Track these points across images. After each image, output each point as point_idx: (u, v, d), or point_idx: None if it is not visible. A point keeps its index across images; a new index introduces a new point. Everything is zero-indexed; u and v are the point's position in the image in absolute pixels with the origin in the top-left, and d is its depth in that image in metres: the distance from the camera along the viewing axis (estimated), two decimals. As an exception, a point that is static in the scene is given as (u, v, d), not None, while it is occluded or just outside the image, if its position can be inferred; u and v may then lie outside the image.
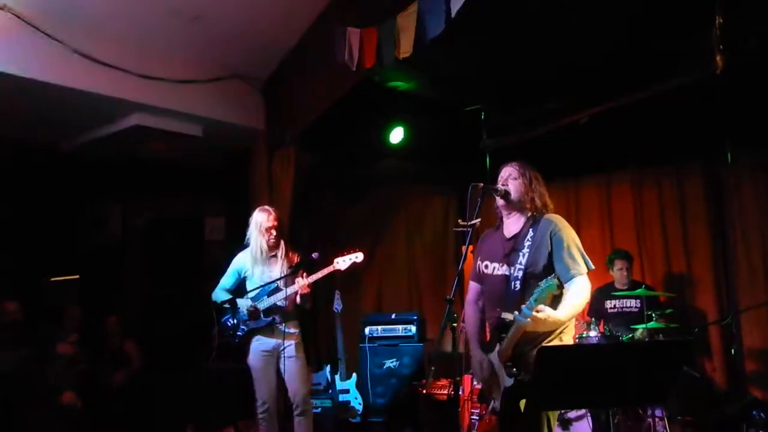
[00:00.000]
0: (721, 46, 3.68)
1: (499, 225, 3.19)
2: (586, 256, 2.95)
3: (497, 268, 3.05)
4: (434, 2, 3.71)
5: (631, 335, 4.99)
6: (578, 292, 2.86)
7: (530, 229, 2.99)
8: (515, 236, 3.06)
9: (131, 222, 7.25)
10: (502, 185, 3.10)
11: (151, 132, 5.41)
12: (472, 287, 3.27)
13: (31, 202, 6.59)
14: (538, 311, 2.69)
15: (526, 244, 2.96)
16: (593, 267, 2.95)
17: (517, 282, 2.93)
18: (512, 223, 3.11)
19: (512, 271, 2.97)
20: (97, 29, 4.78)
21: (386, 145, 6.17)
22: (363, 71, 4.42)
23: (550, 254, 2.92)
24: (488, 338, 3.12)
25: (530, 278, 2.89)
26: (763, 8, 3.84)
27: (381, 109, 5.84)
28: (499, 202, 3.11)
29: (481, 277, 3.18)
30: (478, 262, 3.18)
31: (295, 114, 5.64)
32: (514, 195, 3.07)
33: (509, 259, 3.01)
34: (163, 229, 7.06)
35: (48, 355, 4.91)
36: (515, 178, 3.08)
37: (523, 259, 2.93)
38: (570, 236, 2.95)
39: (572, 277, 2.86)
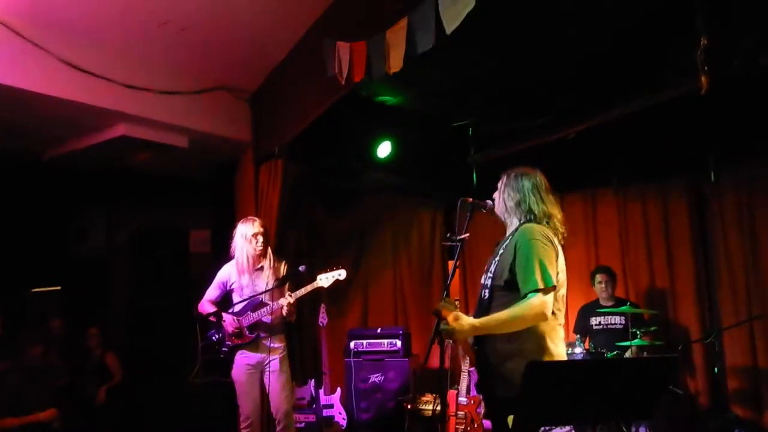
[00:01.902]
0: (706, 67, 3.73)
1: None
2: (548, 272, 2.74)
3: (483, 277, 3.05)
4: (425, 18, 3.72)
5: (615, 352, 5.01)
6: (518, 309, 2.70)
7: (509, 238, 2.95)
8: (497, 245, 3.05)
9: (116, 233, 7.19)
10: (491, 198, 3.12)
11: (137, 143, 5.38)
12: None
13: (15, 212, 6.51)
14: (453, 319, 2.68)
15: (499, 253, 2.93)
16: (553, 284, 2.74)
17: (486, 291, 2.91)
18: (507, 233, 3.07)
19: (484, 280, 2.96)
20: (84, 38, 4.75)
21: (373, 158, 6.18)
22: (352, 85, 4.42)
23: (513, 265, 2.82)
24: None
25: (496, 289, 2.86)
26: (746, 29, 3.91)
27: (368, 122, 5.86)
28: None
29: None
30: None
31: (283, 126, 5.63)
32: (496, 208, 3.08)
33: (487, 268, 3.01)
34: (148, 240, 7.00)
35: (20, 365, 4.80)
36: (498, 190, 3.08)
37: (492, 268, 2.92)
38: (534, 248, 2.77)
39: (525, 294, 2.73)
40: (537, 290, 2.70)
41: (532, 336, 2.75)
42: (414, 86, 5.15)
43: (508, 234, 3.02)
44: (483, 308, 2.90)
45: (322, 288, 4.42)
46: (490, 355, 2.83)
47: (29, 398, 4.63)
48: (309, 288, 4.39)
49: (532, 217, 2.94)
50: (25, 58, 4.47)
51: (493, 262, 2.92)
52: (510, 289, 2.80)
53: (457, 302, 5.86)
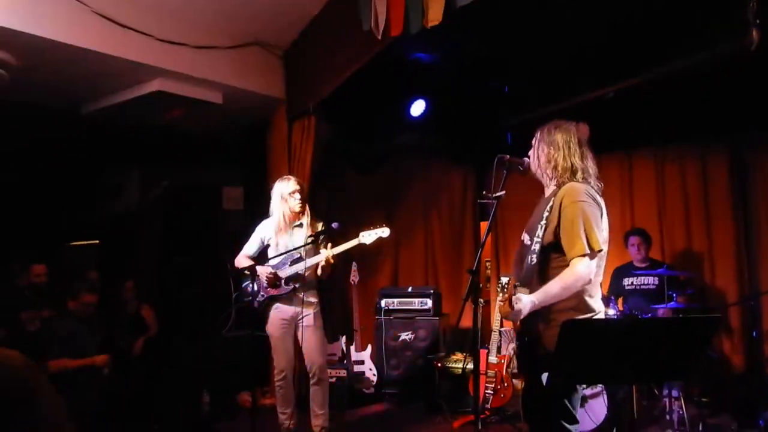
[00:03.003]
0: (757, 21, 3.58)
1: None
2: (595, 235, 2.66)
3: (525, 238, 2.94)
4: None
5: (650, 315, 4.95)
6: (564, 277, 2.65)
7: (552, 199, 2.82)
8: (539, 205, 2.94)
9: (150, 189, 7.27)
10: (528, 156, 3.03)
11: (172, 98, 5.38)
12: None
13: (51, 167, 6.61)
14: (516, 301, 2.60)
15: (544, 215, 2.79)
16: (600, 248, 2.68)
17: (534, 255, 2.78)
18: (547, 189, 2.96)
19: (531, 243, 2.83)
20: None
21: (406, 117, 6.11)
22: (388, 40, 4.34)
23: (557, 229, 2.73)
24: None
25: (549, 252, 2.76)
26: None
27: (402, 81, 5.77)
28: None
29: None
30: (524, 234, 3.03)
31: (316, 83, 5.58)
32: (531, 167, 2.98)
33: (530, 229, 2.90)
34: (182, 197, 7.07)
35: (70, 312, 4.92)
36: (533, 147, 2.97)
37: (540, 232, 2.77)
38: (577, 211, 2.68)
39: (571, 258, 2.67)
40: (583, 255, 2.64)
41: (573, 293, 2.71)
42: (451, 43, 5.04)
43: (548, 194, 2.92)
44: (531, 273, 2.78)
45: (364, 245, 4.41)
46: (533, 314, 2.76)
47: (80, 343, 4.74)
48: (351, 244, 4.37)
49: (569, 174, 2.83)
50: (62, 11, 4.46)
51: (539, 225, 2.78)
52: (561, 252, 2.73)
53: (488, 263, 5.87)
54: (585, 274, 2.65)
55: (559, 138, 2.88)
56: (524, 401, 3.11)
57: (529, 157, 3.02)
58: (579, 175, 2.83)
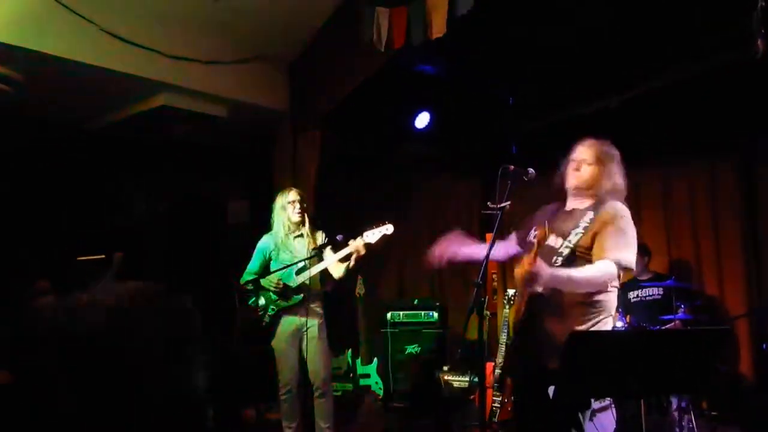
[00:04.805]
0: (763, 30, 3.55)
1: (565, 199, 3.08)
2: (630, 254, 2.74)
3: (552, 239, 2.92)
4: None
5: (658, 327, 4.90)
6: (590, 268, 2.69)
7: (590, 211, 2.85)
8: (573, 211, 2.96)
9: (155, 203, 7.27)
10: (575, 168, 2.97)
11: (177, 112, 5.40)
12: (505, 244, 3.20)
13: (57, 182, 6.62)
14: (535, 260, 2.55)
15: (582, 225, 2.82)
16: (632, 267, 2.76)
17: (559, 258, 2.81)
18: (577, 201, 2.98)
19: (560, 247, 2.85)
20: (125, 8, 4.76)
21: (411, 129, 6.11)
22: (391, 53, 4.35)
23: (595, 235, 2.77)
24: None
25: (575, 258, 2.78)
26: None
27: (407, 93, 5.78)
28: (568, 184, 2.99)
29: (523, 245, 3.08)
30: (531, 231, 3.04)
31: (321, 96, 5.60)
32: (574, 181, 2.96)
33: (561, 232, 2.90)
34: (187, 210, 7.07)
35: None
36: (589, 164, 2.94)
37: (574, 238, 2.81)
38: (628, 226, 2.79)
39: (603, 258, 2.70)
40: (617, 262, 2.68)
41: (600, 308, 2.77)
42: (454, 53, 5.05)
43: (585, 204, 2.93)
44: None
45: (369, 244, 4.36)
46: (541, 311, 2.79)
47: None
48: (355, 244, 4.33)
49: (619, 195, 2.88)
50: (68, 28, 4.49)
51: (574, 232, 2.82)
52: (587, 261, 2.76)
53: (494, 275, 5.82)
54: (608, 275, 2.70)
55: (616, 156, 2.93)
56: (522, 415, 3.08)
57: (535, 168, 3.01)
58: (620, 195, 2.91)
